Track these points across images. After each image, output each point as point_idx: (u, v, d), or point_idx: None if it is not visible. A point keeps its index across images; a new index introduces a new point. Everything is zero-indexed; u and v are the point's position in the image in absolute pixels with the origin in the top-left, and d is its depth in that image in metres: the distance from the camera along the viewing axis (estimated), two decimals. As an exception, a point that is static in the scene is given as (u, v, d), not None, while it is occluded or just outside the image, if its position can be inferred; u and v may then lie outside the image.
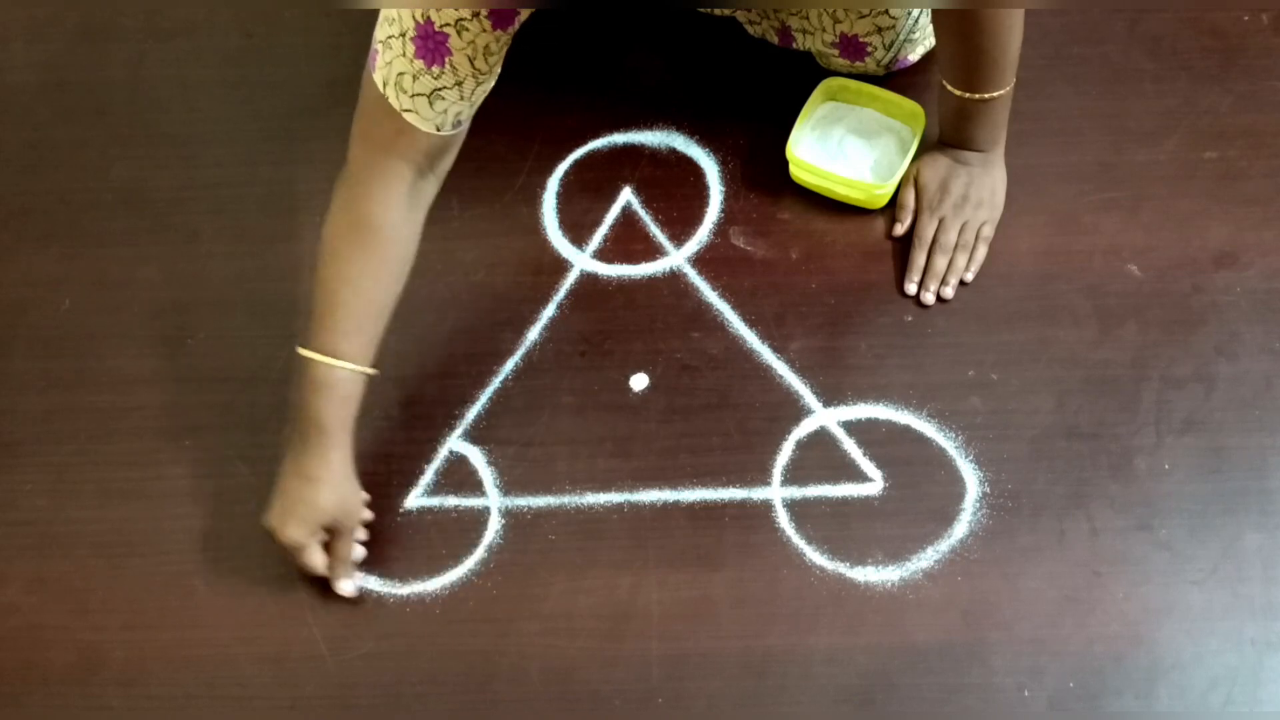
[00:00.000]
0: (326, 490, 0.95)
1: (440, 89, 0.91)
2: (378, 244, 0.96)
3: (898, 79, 1.17)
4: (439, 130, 0.93)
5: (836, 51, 1.14)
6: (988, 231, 1.09)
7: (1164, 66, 1.20)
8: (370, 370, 0.97)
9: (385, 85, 0.91)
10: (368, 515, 1.01)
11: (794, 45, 1.17)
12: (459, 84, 0.91)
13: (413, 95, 0.91)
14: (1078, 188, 1.14)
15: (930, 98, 1.13)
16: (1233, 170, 1.14)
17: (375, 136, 0.94)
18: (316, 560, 0.97)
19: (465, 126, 0.97)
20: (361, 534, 1.00)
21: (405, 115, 0.92)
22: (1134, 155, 1.15)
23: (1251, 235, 1.11)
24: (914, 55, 1.16)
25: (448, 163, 0.99)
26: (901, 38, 1.12)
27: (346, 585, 0.99)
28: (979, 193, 1.09)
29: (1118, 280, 1.09)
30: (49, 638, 1.00)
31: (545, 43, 1.24)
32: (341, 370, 0.95)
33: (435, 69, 0.90)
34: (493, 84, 0.96)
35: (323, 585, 0.99)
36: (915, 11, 1.11)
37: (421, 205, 0.98)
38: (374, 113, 0.93)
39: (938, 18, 1.00)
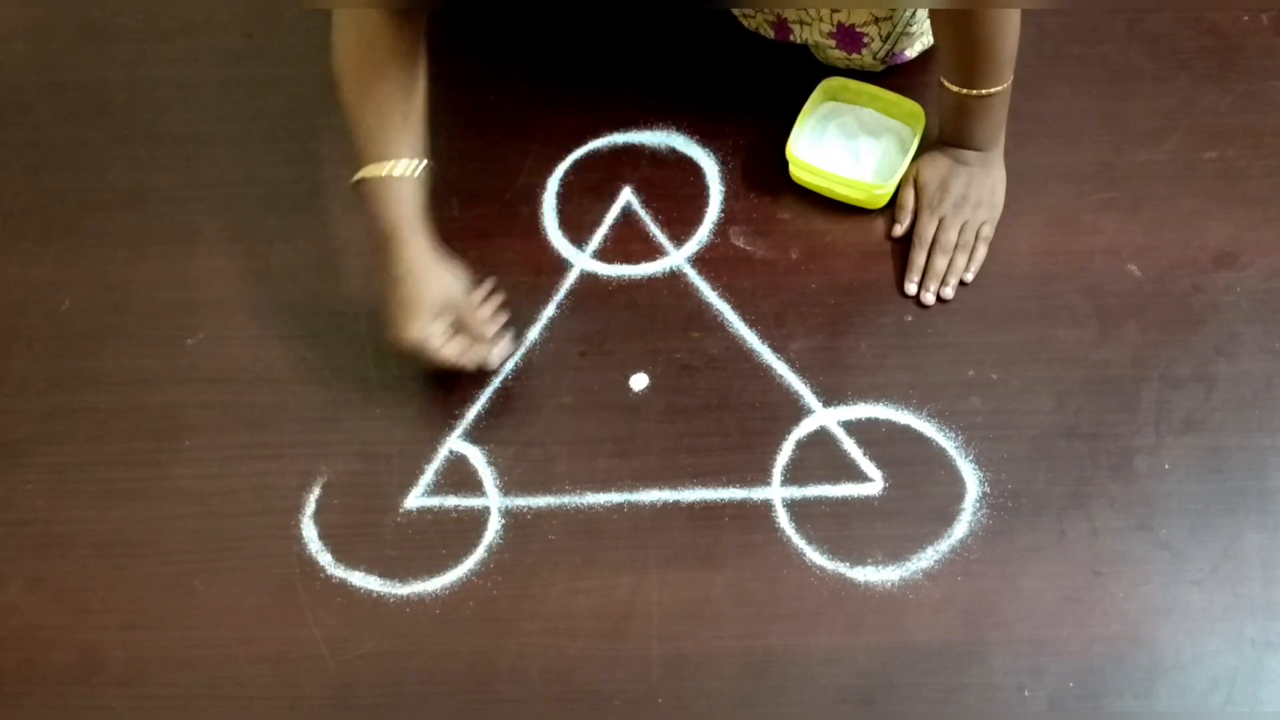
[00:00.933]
0: (413, 281, 0.97)
1: None
2: (389, 59, 0.97)
3: (897, 78, 1.17)
4: None
5: (834, 43, 1.14)
6: (987, 231, 1.10)
7: (1163, 66, 1.20)
8: (422, 162, 0.98)
9: None
10: (479, 290, 1.01)
11: (791, 38, 1.17)
12: None
13: None
14: (1077, 188, 1.14)
15: (930, 98, 1.13)
16: (1232, 170, 1.14)
17: None
18: (449, 349, 0.99)
19: None
20: (485, 305, 1.01)
21: None
22: (1134, 155, 1.15)
23: (1251, 235, 1.11)
24: (911, 52, 1.16)
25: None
26: (899, 30, 1.12)
27: (495, 353, 1.02)
28: (979, 192, 1.10)
29: (1118, 280, 1.09)
30: (49, 638, 1.00)
31: (545, 43, 1.24)
32: (391, 174, 0.96)
33: None
34: None
35: (321, 583, 0.99)
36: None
37: (418, 30, 0.99)
38: None
39: (935, 13, 1.01)
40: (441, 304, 0.99)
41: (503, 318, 1.04)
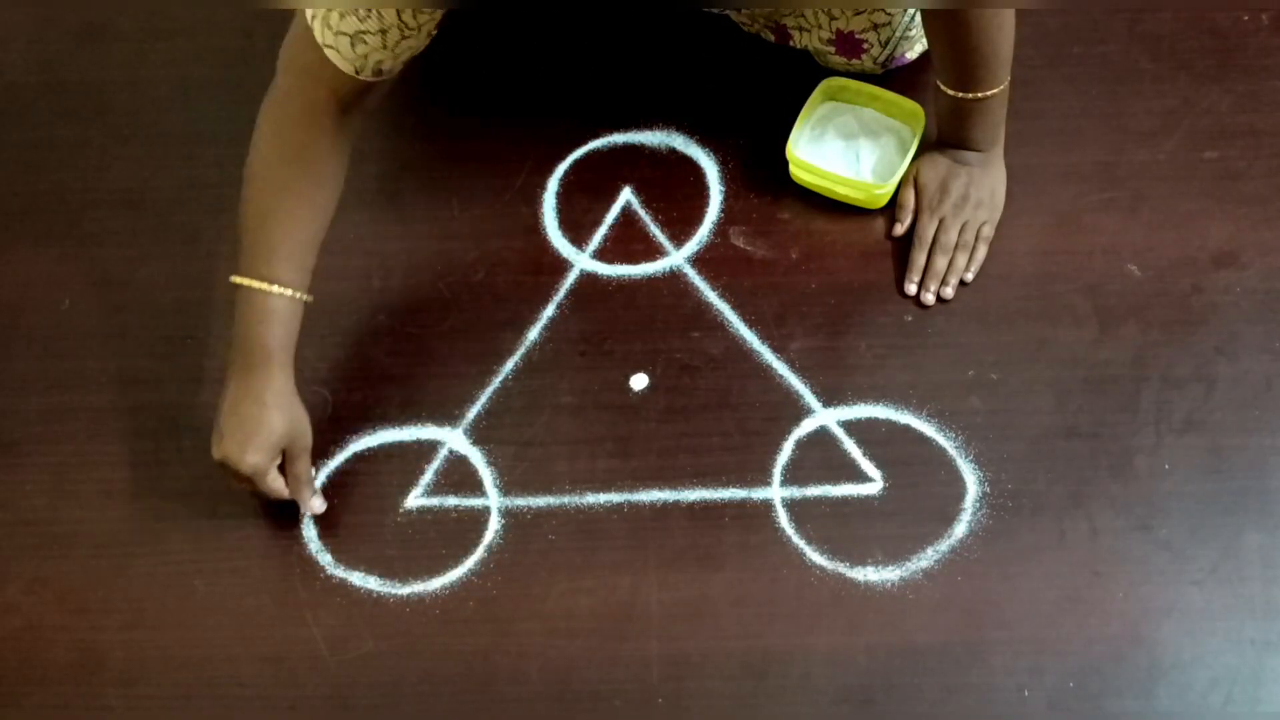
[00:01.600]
0: (278, 413, 0.95)
1: (363, 32, 0.90)
2: (309, 172, 0.95)
3: (897, 79, 1.17)
4: (358, 74, 0.92)
5: (833, 49, 1.14)
6: (987, 231, 1.10)
7: (1164, 66, 1.20)
8: (307, 297, 0.96)
9: (313, 18, 0.90)
10: (310, 438, 0.99)
11: (791, 43, 1.17)
12: (383, 32, 0.90)
13: (336, 33, 0.89)
14: (1077, 188, 1.14)
15: (929, 97, 1.13)
16: (1232, 170, 1.14)
17: (301, 64, 0.93)
18: (279, 483, 0.97)
19: (388, 78, 0.95)
20: (309, 457, 1.00)
21: (326, 51, 0.90)
22: (1134, 155, 1.15)
23: (1251, 235, 1.11)
24: (911, 53, 1.16)
25: (372, 104, 0.97)
26: (898, 35, 1.12)
27: (317, 502, 1.00)
28: (979, 193, 1.09)
29: (1117, 280, 1.09)
30: (49, 638, 1.00)
31: (544, 44, 1.24)
32: (281, 297, 0.94)
33: (361, 11, 0.89)
34: (422, 46, 0.94)
35: (321, 583, 0.99)
36: (910, 11, 1.11)
37: (348, 135, 0.97)
38: (301, 40, 0.92)
39: (927, 19, 1.00)
40: (287, 436, 0.96)
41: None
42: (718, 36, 1.23)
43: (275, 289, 0.94)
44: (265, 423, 0.95)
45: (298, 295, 0.95)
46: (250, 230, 0.95)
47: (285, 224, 0.95)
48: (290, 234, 0.95)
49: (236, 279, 0.95)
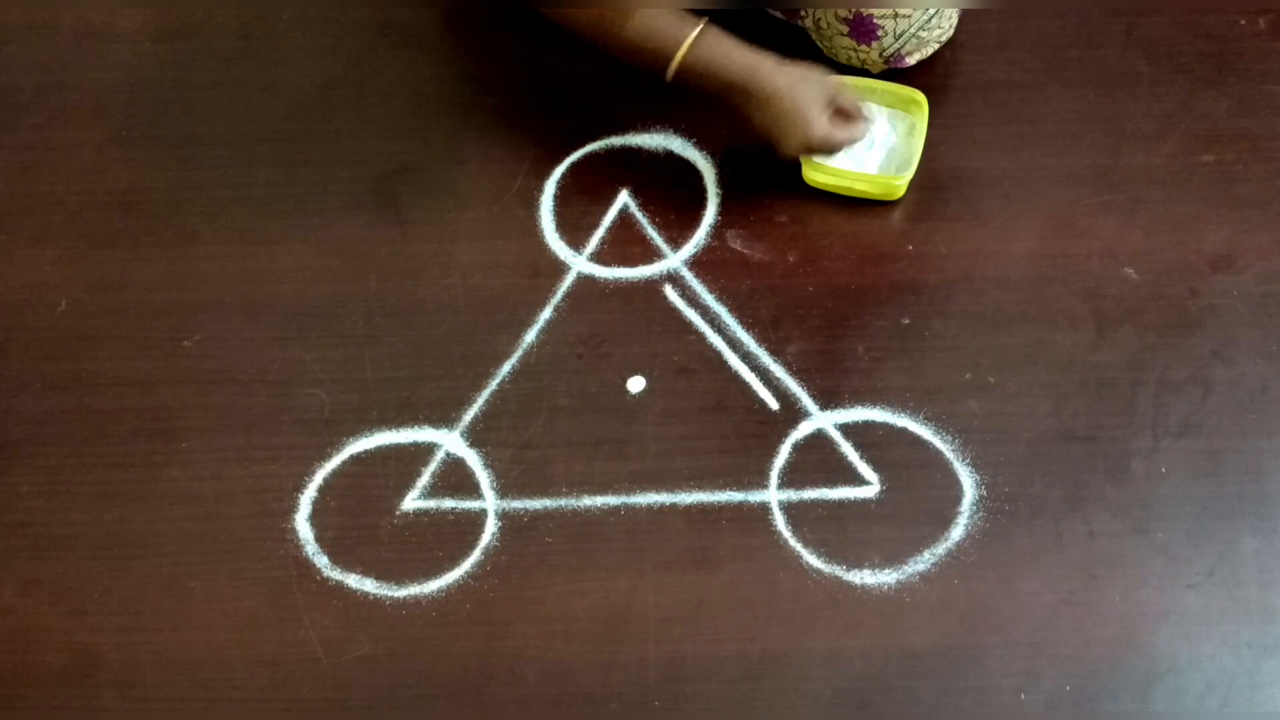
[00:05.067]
0: (793, 89, 1.05)
1: None
2: None
3: (891, 78, 1.17)
4: None
5: (846, 29, 1.13)
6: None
7: (1161, 70, 1.20)
8: (704, 20, 1.06)
9: None
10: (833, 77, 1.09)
11: (800, 18, 1.17)
12: None
13: None
14: (1075, 191, 1.14)
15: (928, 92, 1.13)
16: (1230, 174, 1.14)
17: None
18: (847, 131, 1.08)
19: None
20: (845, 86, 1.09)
21: None
22: (1131, 158, 1.15)
23: (1248, 239, 1.11)
24: (910, 59, 1.16)
25: None
26: (912, 30, 1.12)
27: (874, 110, 1.12)
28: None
29: (1115, 283, 1.09)
30: (45, 640, 1.00)
31: (543, 45, 1.24)
32: (701, 32, 1.05)
33: None
34: None
35: (318, 586, 0.99)
36: (932, 8, 1.11)
37: None
38: None
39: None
40: (822, 99, 1.06)
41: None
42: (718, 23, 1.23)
43: (694, 32, 1.05)
44: (796, 100, 1.05)
45: (703, 22, 1.06)
46: (636, 38, 1.06)
47: (648, 12, 1.05)
48: (658, 13, 1.05)
49: (674, 64, 1.06)
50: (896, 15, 1.11)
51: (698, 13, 1.06)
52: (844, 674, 0.95)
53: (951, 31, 1.17)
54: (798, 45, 1.19)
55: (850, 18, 1.12)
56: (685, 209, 1.15)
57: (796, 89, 1.06)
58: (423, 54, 1.27)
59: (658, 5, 1.04)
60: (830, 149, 1.09)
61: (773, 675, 0.95)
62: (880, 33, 1.12)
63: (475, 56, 1.27)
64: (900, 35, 1.13)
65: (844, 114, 1.09)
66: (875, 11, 1.11)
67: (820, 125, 1.06)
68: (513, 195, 1.17)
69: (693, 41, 1.05)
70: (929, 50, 1.16)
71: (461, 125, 1.22)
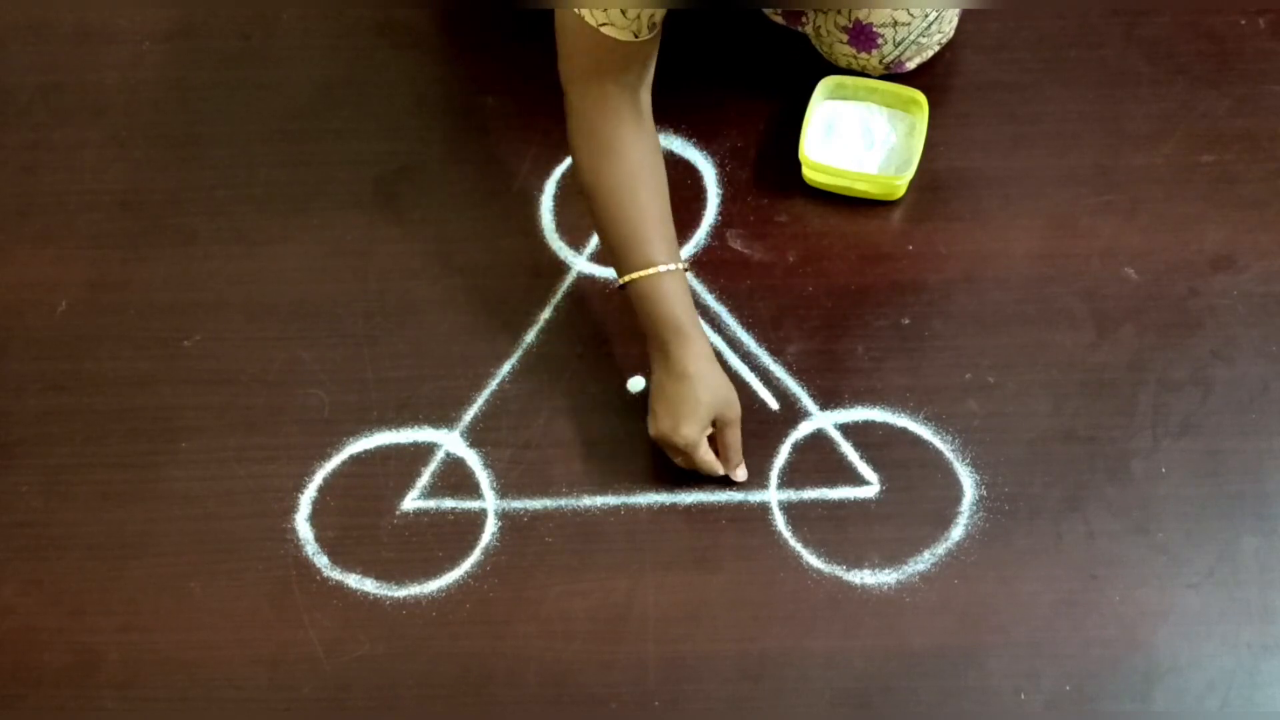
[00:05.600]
0: (703, 385, 0.98)
1: None
2: (629, 162, 0.99)
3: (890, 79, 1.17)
4: (636, 37, 0.95)
5: (846, 37, 1.13)
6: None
7: (1161, 70, 1.20)
8: (686, 266, 1.00)
9: (580, 8, 0.93)
10: (739, 407, 1.01)
11: (801, 25, 1.17)
12: None
13: (605, 10, 0.92)
14: (1075, 191, 1.14)
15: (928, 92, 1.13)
16: (1229, 174, 1.14)
17: (582, 68, 0.98)
18: (710, 456, 1.00)
19: (659, 32, 0.98)
20: (738, 426, 1.01)
21: (603, 30, 0.93)
22: (1131, 159, 1.15)
23: (1248, 239, 1.11)
24: (911, 63, 1.16)
25: (651, 72, 1.01)
26: (912, 38, 1.12)
27: (741, 472, 1.02)
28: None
29: (1115, 283, 1.09)
30: (45, 640, 1.00)
31: (542, 45, 1.24)
32: (667, 274, 0.98)
33: None
34: None
35: (318, 586, 0.99)
36: (932, 14, 1.11)
37: (646, 112, 1.01)
38: (574, 43, 0.97)
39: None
40: (714, 407, 0.98)
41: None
42: (716, 37, 1.23)
43: (659, 269, 0.98)
44: (691, 398, 0.97)
45: (679, 267, 0.99)
46: (611, 235, 1.00)
47: (637, 216, 0.99)
48: (645, 221, 0.99)
49: (623, 279, 0.99)
50: (896, 24, 1.11)
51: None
52: (844, 674, 0.95)
53: (952, 33, 1.17)
54: (799, 51, 1.19)
55: (850, 26, 1.12)
56: (685, 209, 1.15)
57: (699, 388, 0.97)
58: (423, 54, 1.27)
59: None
60: (689, 459, 0.99)
61: (773, 675, 0.95)
62: (880, 40, 1.12)
63: (475, 56, 1.27)
64: (900, 43, 1.13)
65: (722, 443, 1.00)
66: (875, 21, 1.11)
67: (692, 432, 0.97)
68: (513, 195, 1.17)
69: (656, 274, 0.97)
70: (930, 53, 1.16)
71: (461, 125, 1.22)
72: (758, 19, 1.21)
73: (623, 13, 0.93)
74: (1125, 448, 1.02)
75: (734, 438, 1.00)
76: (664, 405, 0.98)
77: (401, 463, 1.05)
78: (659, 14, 0.96)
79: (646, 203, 0.99)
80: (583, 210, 1.15)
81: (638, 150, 1.00)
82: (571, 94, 0.99)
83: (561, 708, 0.95)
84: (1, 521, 1.05)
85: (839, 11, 1.12)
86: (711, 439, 1.01)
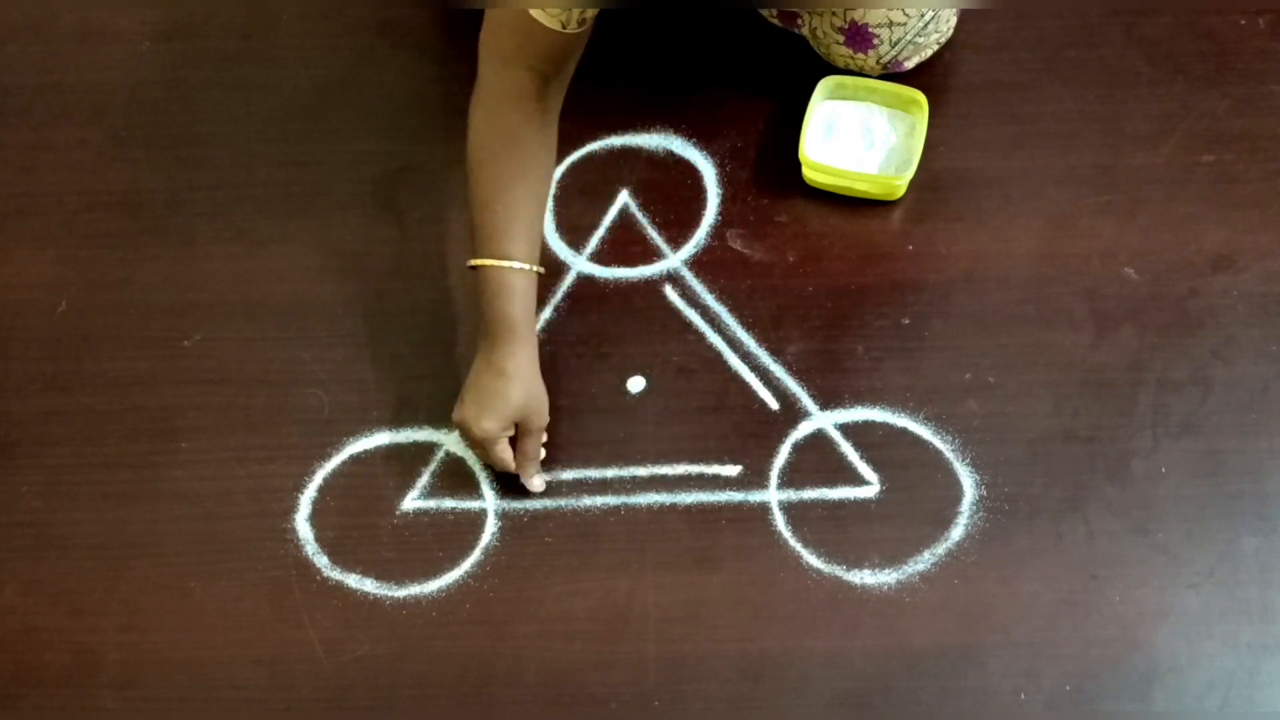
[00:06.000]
0: (518, 385, 0.99)
1: None
2: (521, 153, 1.00)
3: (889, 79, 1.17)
4: (564, 28, 0.95)
5: (842, 38, 1.13)
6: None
7: (1161, 70, 1.20)
8: (539, 269, 1.01)
9: None
10: (546, 418, 1.02)
11: (797, 27, 1.17)
12: None
13: None
14: (1074, 191, 1.14)
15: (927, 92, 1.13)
16: (1229, 174, 1.14)
17: (503, 48, 0.97)
18: (507, 454, 1.00)
19: (588, 29, 0.98)
20: (543, 436, 1.02)
21: (532, 13, 0.93)
22: (1131, 158, 1.15)
23: (1248, 239, 1.11)
24: (909, 63, 1.16)
25: (570, 70, 1.01)
26: (908, 37, 1.12)
27: (538, 481, 1.02)
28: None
29: (1114, 283, 1.09)
30: (45, 640, 1.00)
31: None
32: (516, 271, 0.98)
33: None
34: None
35: (318, 586, 0.99)
36: (928, 14, 1.11)
37: (553, 111, 1.02)
38: (500, 18, 0.96)
39: None
40: (522, 411, 1.00)
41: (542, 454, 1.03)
42: (714, 38, 1.23)
43: (510, 264, 0.98)
44: (501, 394, 0.98)
45: (530, 269, 1.00)
46: (479, 216, 1.00)
47: (510, 206, 0.99)
48: (515, 215, 0.99)
49: (475, 261, 0.99)
50: (892, 24, 1.11)
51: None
52: (844, 674, 0.95)
53: (950, 33, 1.17)
54: (798, 51, 1.19)
55: (845, 27, 1.12)
56: (685, 209, 1.15)
57: (512, 387, 0.98)
58: (423, 54, 1.27)
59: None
60: (485, 452, 1.00)
61: (772, 675, 0.95)
62: (876, 41, 1.12)
63: (475, 56, 1.27)
64: (897, 43, 1.12)
65: (520, 448, 1.01)
66: (871, 22, 1.11)
67: (492, 427, 0.98)
68: (513, 195, 1.17)
69: (509, 269, 0.98)
70: (928, 53, 1.16)
71: (461, 125, 1.22)
72: (755, 20, 1.21)
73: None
74: (1125, 448, 1.02)
75: (533, 447, 1.01)
76: (473, 395, 0.99)
77: (401, 463, 1.05)
78: (590, 12, 0.96)
79: (524, 199, 1.00)
80: (582, 210, 1.16)
81: (533, 146, 1.00)
82: (485, 70, 0.99)
83: (561, 708, 0.95)
84: (2, 522, 1.05)
85: (833, 13, 1.12)
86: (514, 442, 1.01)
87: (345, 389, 1.08)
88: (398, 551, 1.01)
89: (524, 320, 0.99)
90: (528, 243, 1.00)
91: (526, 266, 0.99)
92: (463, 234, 1.15)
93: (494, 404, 0.98)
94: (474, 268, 0.99)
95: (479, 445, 1.00)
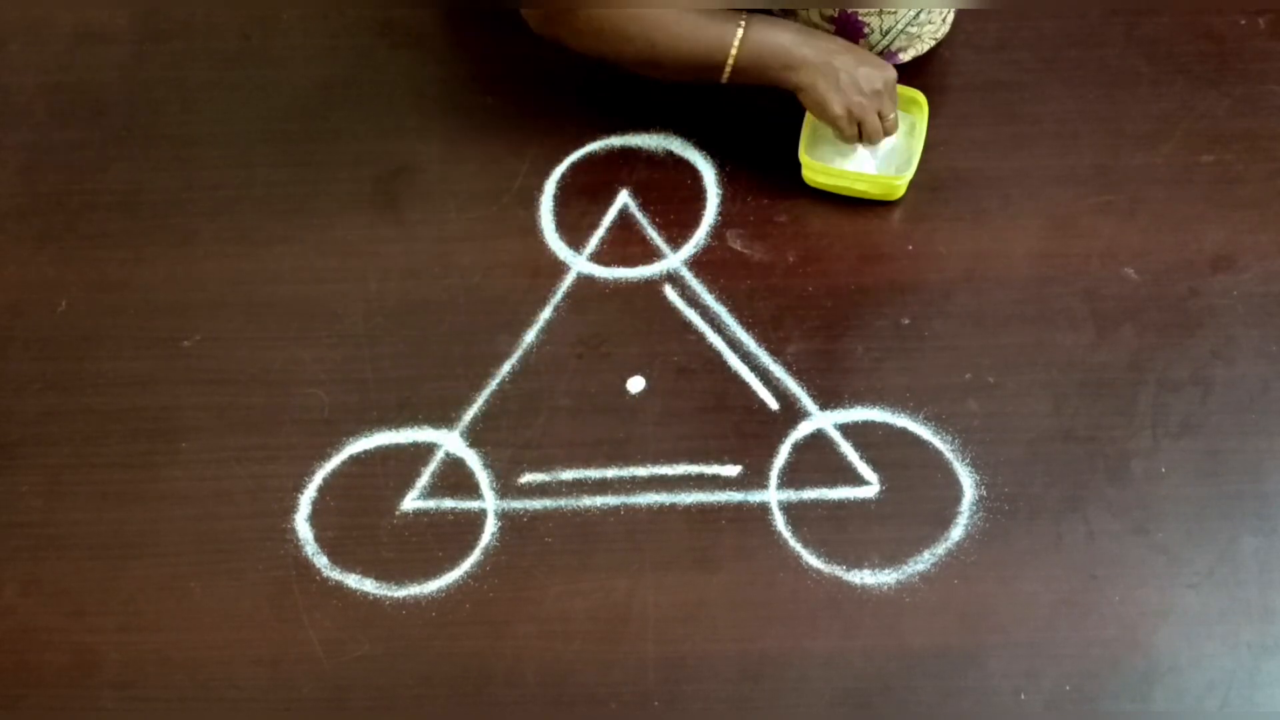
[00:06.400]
0: (845, 52, 1.05)
1: None
2: None
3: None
4: None
5: (833, 29, 1.13)
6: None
7: (1161, 70, 1.20)
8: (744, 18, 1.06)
9: None
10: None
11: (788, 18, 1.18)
12: None
13: None
14: (1075, 190, 1.14)
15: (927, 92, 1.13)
16: (1229, 174, 1.14)
17: None
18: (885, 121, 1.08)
19: None
20: None
21: None
22: (1131, 158, 1.15)
23: (1248, 239, 1.11)
24: (905, 55, 1.16)
25: None
26: (899, 28, 1.12)
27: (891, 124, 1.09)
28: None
29: (1114, 283, 1.09)
30: (44, 640, 1.00)
31: (543, 45, 1.24)
32: (756, 17, 1.05)
33: None
34: None
35: (317, 586, 1.00)
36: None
37: None
38: None
39: None
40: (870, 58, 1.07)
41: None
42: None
43: (740, 24, 1.05)
44: (852, 49, 1.06)
45: (744, 18, 1.05)
46: (689, 26, 1.04)
47: (693, 17, 1.04)
48: (701, 14, 1.05)
49: (731, 56, 1.05)
50: (881, 12, 1.11)
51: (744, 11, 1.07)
52: (843, 674, 0.95)
53: (947, 28, 1.17)
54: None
55: (835, 16, 1.12)
56: (685, 209, 1.15)
57: (847, 47, 1.06)
58: (423, 54, 1.27)
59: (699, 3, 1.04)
60: (884, 101, 1.07)
61: (772, 675, 0.95)
62: (867, 29, 1.12)
63: (475, 56, 1.27)
64: (888, 32, 1.12)
65: (885, 114, 1.08)
66: (859, 11, 1.11)
67: (881, 69, 1.06)
68: (512, 195, 1.17)
69: (741, 33, 1.04)
70: (925, 46, 1.16)
71: (461, 125, 1.22)
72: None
73: None
74: (1125, 448, 1.02)
75: (890, 106, 1.08)
76: (844, 63, 1.05)
77: (401, 463, 1.05)
78: None
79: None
80: (582, 210, 1.16)
81: None
82: None
83: (561, 708, 0.95)
84: (1, 522, 1.05)
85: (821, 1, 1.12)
86: None
87: (345, 389, 1.08)
88: (397, 552, 1.01)
89: (788, 28, 1.06)
90: (729, 15, 1.05)
91: (744, 21, 1.04)
92: (463, 234, 1.15)
93: (860, 55, 1.05)
94: (732, 65, 1.05)
95: (879, 102, 1.06)
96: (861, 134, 1.08)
